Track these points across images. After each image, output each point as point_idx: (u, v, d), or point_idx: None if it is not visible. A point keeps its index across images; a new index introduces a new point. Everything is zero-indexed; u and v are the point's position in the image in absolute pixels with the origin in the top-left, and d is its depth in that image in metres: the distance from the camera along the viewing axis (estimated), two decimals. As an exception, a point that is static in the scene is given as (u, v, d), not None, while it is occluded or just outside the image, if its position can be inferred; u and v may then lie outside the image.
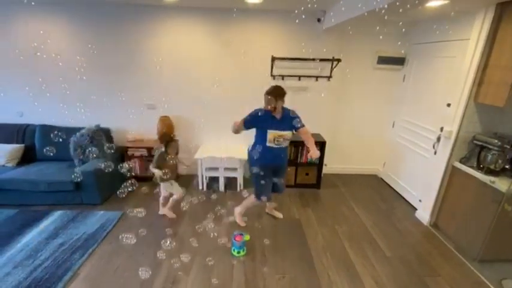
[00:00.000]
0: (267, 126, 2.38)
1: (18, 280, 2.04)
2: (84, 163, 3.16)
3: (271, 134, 2.38)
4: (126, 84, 3.51)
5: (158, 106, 3.62)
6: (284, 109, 2.42)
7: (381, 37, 3.40)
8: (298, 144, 3.45)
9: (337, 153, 3.99)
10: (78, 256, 2.29)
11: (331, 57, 3.40)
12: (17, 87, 3.45)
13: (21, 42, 3.27)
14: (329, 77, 3.54)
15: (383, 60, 3.56)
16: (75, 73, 3.40)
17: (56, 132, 1.57)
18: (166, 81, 3.52)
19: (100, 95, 3.51)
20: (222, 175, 3.48)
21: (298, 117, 2.40)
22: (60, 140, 1.64)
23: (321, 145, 3.49)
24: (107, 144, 1.66)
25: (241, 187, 3.58)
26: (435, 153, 2.88)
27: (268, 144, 2.41)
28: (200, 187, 3.54)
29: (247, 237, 2.51)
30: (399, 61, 3.57)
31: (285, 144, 2.46)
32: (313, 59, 3.37)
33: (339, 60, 3.41)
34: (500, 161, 2.27)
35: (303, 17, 3.25)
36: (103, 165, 1.53)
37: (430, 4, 2.19)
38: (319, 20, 3.28)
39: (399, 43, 3.47)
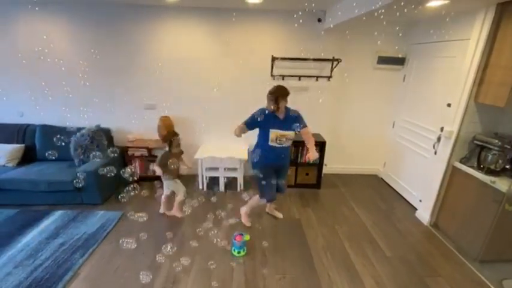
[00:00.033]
0: (270, 126, 2.38)
1: (18, 280, 2.04)
2: (85, 163, 3.16)
3: (273, 133, 2.38)
4: (126, 84, 3.51)
5: (158, 106, 3.62)
6: (287, 109, 2.42)
7: (379, 40, 3.41)
8: (298, 144, 3.45)
9: (338, 153, 3.99)
10: (78, 256, 2.30)
11: (331, 57, 3.41)
12: (18, 87, 3.45)
13: (21, 42, 3.27)
14: (329, 77, 3.54)
15: (383, 60, 3.56)
16: (76, 73, 3.40)
17: (58, 136, 1.57)
18: (166, 81, 3.52)
19: (100, 95, 3.52)
20: (222, 175, 3.48)
21: (301, 117, 2.41)
22: (63, 144, 1.65)
23: (321, 145, 3.49)
24: (111, 148, 1.68)
25: (242, 187, 3.58)
26: (435, 153, 2.87)
27: (270, 143, 2.42)
28: (200, 187, 3.54)
29: (247, 237, 2.51)
30: (399, 61, 3.57)
31: (287, 144, 2.46)
32: (314, 59, 3.37)
33: (339, 60, 3.41)
34: (500, 161, 2.27)
35: (300, 21, 3.26)
36: (105, 170, 1.53)
37: (430, 4, 2.19)
38: (319, 20, 3.28)
39: (396, 47, 3.48)
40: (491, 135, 2.40)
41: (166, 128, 3.51)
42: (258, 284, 2.11)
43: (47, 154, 1.63)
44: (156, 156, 3.57)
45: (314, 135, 2.48)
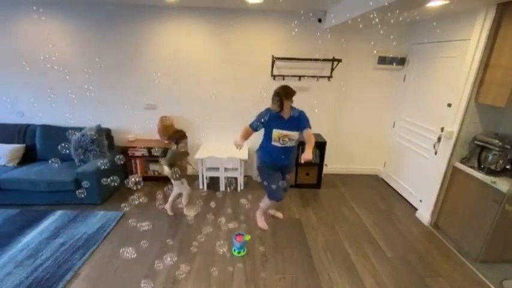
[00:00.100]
0: (273, 126, 2.39)
1: (19, 280, 2.04)
2: (85, 163, 3.16)
3: (276, 133, 2.38)
4: (126, 84, 3.51)
5: (158, 106, 3.62)
6: (293, 109, 2.41)
7: (380, 40, 3.40)
8: (298, 145, 3.44)
9: (338, 153, 3.99)
10: (78, 256, 2.30)
11: (331, 57, 3.40)
12: (18, 87, 3.46)
13: (21, 42, 3.27)
14: (329, 77, 3.54)
15: (383, 60, 3.55)
16: (76, 73, 3.40)
17: (63, 144, 1.59)
18: (166, 81, 3.52)
19: (100, 95, 3.51)
20: (222, 175, 3.48)
21: (306, 118, 2.40)
22: (67, 151, 1.66)
23: (321, 145, 3.50)
24: (117, 156, 1.69)
25: (242, 187, 3.58)
26: (436, 153, 2.87)
27: (273, 143, 2.42)
28: (201, 187, 3.54)
29: (247, 237, 2.51)
30: (400, 61, 3.57)
31: (291, 144, 2.45)
32: (314, 59, 3.37)
33: (339, 61, 3.41)
34: (501, 161, 2.27)
35: (299, 22, 3.25)
36: (109, 180, 1.54)
37: (430, 4, 2.19)
38: (320, 20, 3.28)
39: (395, 45, 3.47)
40: (491, 135, 2.40)
41: (165, 129, 3.51)
42: (258, 284, 2.11)
43: (50, 162, 1.65)
44: (155, 156, 3.58)
45: (314, 135, 2.48)
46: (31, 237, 2.52)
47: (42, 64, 3.34)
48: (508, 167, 2.30)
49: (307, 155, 2.22)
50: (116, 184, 1.55)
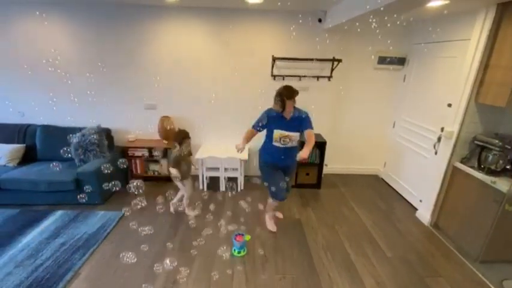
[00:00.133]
0: (274, 126, 2.39)
1: (19, 280, 2.04)
2: (85, 163, 3.16)
3: (276, 133, 2.38)
4: (126, 84, 3.52)
5: (158, 106, 3.62)
6: (296, 110, 2.40)
7: (380, 41, 3.41)
8: (301, 145, 3.44)
9: (338, 153, 3.99)
10: (79, 256, 2.30)
11: (331, 57, 3.40)
12: (18, 87, 3.46)
13: (21, 42, 3.27)
14: (329, 77, 3.54)
15: (383, 60, 3.55)
16: (76, 73, 3.41)
17: (65, 148, 1.60)
18: (166, 81, 3.52)
19: (100, 95, 3.51)
20: (222, 175, 3.48)
21: (308, 119, 2.38)
22: (69, 155, 1.66)
23: (321, 145, 3.50)
24: (120, 160, 1.70)
25: (242, 187, 3.58)
26: (436, 153, 2.87)
27: (274, 143, 2.42)
28: (201, 187, 3.54)
29: (247, 237, 2.51)
30: (400, 61, 3.57)
31: (292, 144, 2.43)
32: (314, 59, 3.37)
33: (339, 61, 3.41)
34: (501, 162, 2.27)
35: (297, 23, 3.26)
36: (111, 185, 1.55)
37: (430, 4, 2.19)
38: (320, 20, 3.28)
39: (394, 43, 3.47)
40: (491, 135, 2.40)
41: (166, 132, 3.51)
42: (258, 284, 2.11)
43: (51, 166, 1.65)
44: (155, 156, 3.59)
45: (314, 135, 2.46)
46: (31, 237, 2.52)
47: (43, 64, 3.34)
48: (508, 167, 2.30)
49: (304, 153, 2.19)
50: (118, 188, 1.55)
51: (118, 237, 2.57)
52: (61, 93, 3.45)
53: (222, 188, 3.54)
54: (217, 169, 3.45)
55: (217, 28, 3.33)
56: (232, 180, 3.69)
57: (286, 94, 2.29)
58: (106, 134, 3.45)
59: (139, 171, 3.65)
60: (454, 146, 2.59)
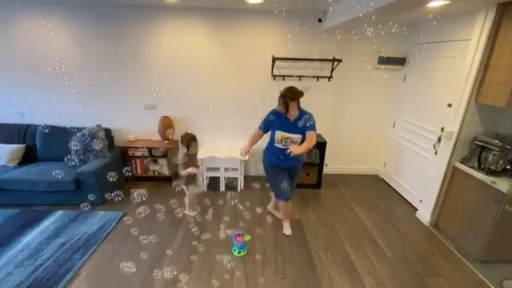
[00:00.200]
0: (276, 127, 2.39)
1: (19, 280, 2.04)
2: (85, 163, 3.16)
3: (278, 134, 2.38)
4: (126, 84, 3.51)
5: (158, 106, 3.62)
6: (300, 111, 2.39)
7: (380, 40, 3.40)
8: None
9: (338, 154, 3.98)
10: (79, 256, 2.30)
11: (331, 58, 3.40)
12: (18, 87, 3.46)
13: (21, 41, 3.27)
14: (330, 77, 3.54)
15: (383, 61, 3.55)
16: (76, 74, 3.40)
17: (68, 156, 1.62)
18: (166, 81, 3.52)
19: (100, 94, 3.51)
20: (222, 175, 3.48)
21: (311, 121, 2.36)
22: (73, 163, 1.67)
23: (322, 145, 3.50)
24: (125, 168, 1.71)
25: (242, 187, 3.58)
26: (436, 153, 2.87)
27: (276, 144, 2.43)
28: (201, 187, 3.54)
29: (247, 237, 2.51)
30: (400, 61, 3.57)
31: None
32: (314, 59, 3.37)
33: (339, 61, 3.41)
34: (501, 162, 2.27)
35: (298, 23, 3.25)
36: (113, 195, 1.56)
37: (430, 4, 2.19)
38: (320, 20, 3.28)
39: (394, 43, 3.47)
40: (491, 135, 2.40)
41: (166, 128, 3.51)
42: (259, 284, 2.11)
43: (53, 173, 1.68)
44: (156, 156, 3.59)
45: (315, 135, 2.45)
46: (31, 237, 2.52)
47: (42, 64, 3.34)
48: (508, 167, 2.30)
49: (294, 149, 2.20)
50: (120, 198, 1.56)
51: (118, 237, 2.57)
52: (61, 93, 3.45)
53: (222, 188, 3.54)
54: (217, 169, 3.45)
55: (218, 28, 3.33)
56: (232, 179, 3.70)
57: (290, 96, 2.27)
58: (106, 134, 3.45)
59: (139, 172, 3.65)
60: (454, 146, 2.59)
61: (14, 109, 3.52)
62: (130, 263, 1.75)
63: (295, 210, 3.17)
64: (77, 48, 3.34)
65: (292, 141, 2.38)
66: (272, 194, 2.90)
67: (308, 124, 2.34)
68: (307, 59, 3.38)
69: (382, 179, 4.07)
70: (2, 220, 2.75)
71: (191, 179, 2.78)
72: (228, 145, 3.68)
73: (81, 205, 1.78)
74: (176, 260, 2.31)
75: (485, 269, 2.31)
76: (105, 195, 1.63)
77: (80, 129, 3.28)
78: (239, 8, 3.21)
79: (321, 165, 3.60)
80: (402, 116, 3.64)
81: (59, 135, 3.25)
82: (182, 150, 2.75)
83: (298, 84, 3.52)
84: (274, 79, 3.53)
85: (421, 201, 3.14)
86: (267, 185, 2.54)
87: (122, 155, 3.55)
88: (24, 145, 3.36)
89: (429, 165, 2.99)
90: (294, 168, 2.57)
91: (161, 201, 2.97)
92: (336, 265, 2.33)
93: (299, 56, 3.39)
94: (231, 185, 3.63)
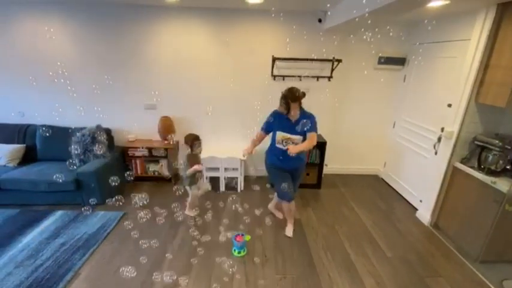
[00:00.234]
0: (278, 128, 2.39)
1: (19, 280, 2.04)
2: (85, 163, 3.16)
3: (279, 135, 2.38)
4: (126, 84, 3.51)
5: (158, 106, 3.62)
6: (302, 112, 2.38)
7: (380, 41, 3.41)
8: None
9: (338, 154, 3.99)
10: (79, 256, 2.30)
11: (331, 58, 3.40)
12: (18, 87, 3.46)
13: (21, 41, 3.27)
14: (330, 77, 3.54)
15: (383, 61, 3.55)
16: (76, 74, 3.40)
17: (70, 160, 1.62)
18: (166, 81, 3.52)
19: (100, 94, 3.51)
20: (222, 175, 3.48)
21: (312, 122, 2.35)
22: (75, 167, 1.68)
23: (322, 145, 3.50)
24: (127, 172, 1.72)
25: (242, 187, 3.58)
26: (436, 153, 2.87)
27: (277, 145, 2.42)
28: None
29: (247, 237, 2.51)
30: (400, 61, 3.57)
31: None
32: (314, 60, 3.37)
33: (339, 61, 3.41)
34: (501, 162, 2.27)
35: (298, 23, 3.25)
36: (114, 200, 1.58)
37: (431, 4, 2.19)
38: (320, 21, 3.28)
39: (394, 43, 3.47)
40: (491, 135, 2.40)
41: (166, 128, 3.51)
42: (259, 284, 2.11)
43: (54, 177, 1.69)
44: (156, 156, 3.59)
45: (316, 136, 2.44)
46: (31, 237, 2.52)
47: (42, 64, 3.34)
48: (508, 167, 2.30)
49: (292, 148, 2.22)
50: (121, 203, 1.58)
51: (118, 237, 2.57)
52: (61, 93, 3.45)
53: (222, 188, 3.54)
54: (217, 169, 3.45)
55: (218, 28, 3.33)
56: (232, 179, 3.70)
57: (291, 97, 2.26)
58: (106, 134, 3.44)
59: (139, 172, 3.65)
60: (454, 146, 2.59)
61: (14, 109, 3.52)
62: (130, 267, 1.76)
63: (295, 210, 3.17)
64: (77, 48, 3.34)
65: (293, 142, 2.38)
66: (274, 194, 2.90)
67: (309, 125, 2.32)
68: (307, 59, 3.38)
69: (382, 179, 4.07)
70: (2, 220, 2.75)
71: (194, 179, 2.78)
72: (228, 145, 3.68)
73: (83, 209, 1.80)
74: (176, 259, 2.31)
75: (485, 269, 2.31)
76: (107, 200, 1.64)
77: (80, 129, 3.29)
78: (239, 8, 3.21)
79: (321, 165, 3.60)
80: (402, 116, 3.64)
81: (59, 135, 3.25)
82: (186, 151, 2.75)
83: (298, 84, 3.52)
84: (274, 79, 3.53)
85: (421, 201, 3.14)
86: (268, 185, 2.54)
87: (121, 155, 3.55)
88: (24, 145, 3.36)
89: (429, 165, 2.99)
90: (296, 169, 2.56)
91: (161, 201, 2.98)
92: (336, 265, 2.33)
93: (299, 56, 3.39)
94: (231, 185, 3.63)
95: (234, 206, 3.14)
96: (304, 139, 2.37)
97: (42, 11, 3.18)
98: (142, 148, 3.51)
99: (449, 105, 2.69)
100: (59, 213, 2.89)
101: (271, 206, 3.05)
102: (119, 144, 3.65)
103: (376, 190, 3.74)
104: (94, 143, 3.23)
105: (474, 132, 2.51)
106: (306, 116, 2.38)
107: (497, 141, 2.29)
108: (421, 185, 3.13)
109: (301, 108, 2.39)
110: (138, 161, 3.61)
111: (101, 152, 2.87)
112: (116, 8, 3.19)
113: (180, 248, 2.46)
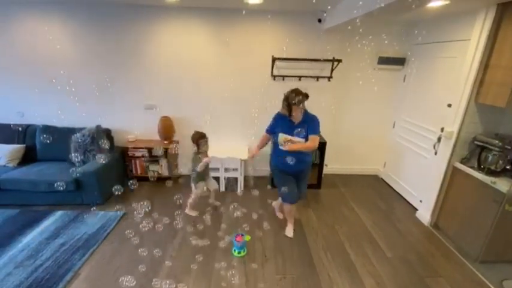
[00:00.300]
0: (281, 130, 2.38)
1: (19, 280, 2.04)
2: (85, 163, 3.16)
3: (281, 137, 2.38)
4: (126, 84, 3.51)
5: (158, 106, 3.62)
6: (305, 114, 2.37)
7: (380, 41, 3.41)
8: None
9: (338, 154, 3.99)
10: (78, 256, 2.30)
11: (331, 58, 3.40)
12: (18, 87, 3.45)
13: (20, 41, 3.27)
14: (329, 78, 3.54)
15: (383, 61, 3.55)
16: (76, 74, 3.40)
17: (73, 169, 1.65)
18: (166, 81, 3.52)
19: (100, 95, 3.51)
20: (222, 175, 3.48)
21: (315, 123, 2.35)
22: (78, 175, 1.68)
23: (322, 145, 3.49)
24: (131, 181, 1.72)
25: (242, 187, 3.58)
26: (436, 153, 2.87)
27: (280, 147, 2.42)
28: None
29: (247, 237, 2.51)
30: (399, 61, 3.57)
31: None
32: (314, 60, 3.37)
33: (339, 61, 3.41)
34: (501, 162, 2.27)
35: (297, 24, 3.24)
36: (118, 207, 1.60)
37: (430, 4, 2.19)
38: (319, 21, 3.28)
39: (397, 48, 3.47)
40: (491, 135, 2.40)
41: (166, 129, 3.51)
42: (259, 284, 2.11)
43: (55, 185, 1.70)
44: (156, 157, 3.59)
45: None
46: (31, 237, 2.52)
47: (42, 64, 3.34)
48: (508, 167, 2.30)
49: (290, 146, 2.26)
50: (122, 213, 1.59)
51: (118, 237, 2.57)
52: (61, 93, 3.44)
53: (222, 188, 3.54)
54: (217, 169, 3.44)
55: (218, 28, 3.33)
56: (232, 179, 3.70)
57: (292, 99, 2.23)
58: (106, 134, 3.45)
59: (139, 172, 3.65)
60: (454, 146, 2.59)
61: (14, 109, 3.52)
62: (129, 277, 1.77)
63: (295, 210, 3.17)
64: (77, 48, 3.34)
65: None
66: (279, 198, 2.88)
67: (311, 128, 2.32)
68: (307, 59, 3.38)
69: (382, 179, 4.07)
70: (2, 220, 2.75)
71: (202, 176, 2.78)
72: (228, 145, 3.68)
73: (92, 209, 1.80)
74: (176, 260, 2.31)
75: (485, 269, 2.31)
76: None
77: (79, 130, 3.29)
78: (239, 8, 3.21)
79: (321, 165, 3.60)
80: (402, 116, 3.64)
81: (59, 135, 3.25)
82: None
83: (298, 85, 3.52)
84: (274, 79, 3.53)
85: (421, 201, 3.14)
86: (269, 186, 2.54)
87: (121, 155, 3.55)
88: (24, 145, 3.36)
89: (429, 165, 2.99)
90: (301, 171, 2.53)
91: (161, 201, 2.98)
92: (336, 265, 2.33)
93: (299, 56, 3.39)
94: (231, 185, 3.63)
95: (233, 206, 3.14)
96: (306, 141, 2.36)
97: (42, 11, 3.18)
98: (142, 149, 3.51)
99: (449, 105, 2.69)
100: (58, 214, 2.89)
101: (275, 203, 3.04)
102: (119, 144, 3.65)
103: (376, 190, 3.74)
104: (94, 143, 3.23)
105: (474, 132, 2.51)
106: (309, 117, 2.37)
107: (497, 141, 2.29)
108: (421, 185, 3.13)
109: (304, 110, 2.37)
110: (138, 161, 3.60)
111: (102, 160, 2.89)
112: (116, 8, 3.19)
113: (180, 246, 2.46)
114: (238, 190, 3.56)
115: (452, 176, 2.66)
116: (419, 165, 3.24)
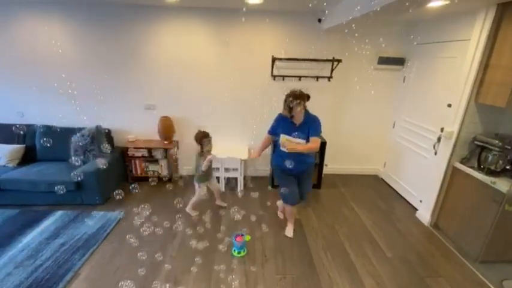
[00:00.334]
0: (282, 131, 2.38)
1: (19, 280, 2.04)
2: (85, 163, 3.16)
3: (283, 138, 2.38)
4: (126, 84, 3.51)
5: (158, 106, 3.62)
6: (306, 115, 2.37)
7: (380, 40, 3.41)
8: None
9: (338, 154, 3.98)
10: (78, 256, 2.30)
11: (331, 58, 3.40)
12: (18, 87, 3.45)
13: (20, 41, 3.27)
14: (329, 78, 3.54)
15: (383, 61, 3.55)
16: (76, 74, 3.40)
17: (75, 172, 1.65)
18: (166, 81, 3.52)
19: (100, 95, 3.50)
20: (222, 175, 3.48)
21: (316, 125, 2.34)
22: (79, 179, 1.71)
23: (322, 145, 3.49)
24: (132, 185, 1.73)
25: (242, 187, 3.58)
26: (436, 153, 2.87)
27: (281, 148, 2.42)
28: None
29: (247, 237, 2.51)
30: (399, 61, 3.57)
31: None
32: (314, 60, 3.37)
33: (339, 61, 3.41)
34: (501, 162, 2.27)
35: (297, 24, 3.24)
36: (117, 212, 1.60)
37: (431, 5, 2.19)
38: (319, 21, 3.28)
39: (394, 43, 3.47)
40: (491, 135, 2.40)
41: (166, 129, 3.51)
42: (259, 284, 2.11)
43: (56, 188, 1.71)
44: (155, 157, 3.59)
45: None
46: (31, 237, 2.52)
47: (42, 64, 3.34)
48: (508, 167, 2.30)
49: (289, 145, 2.25)
50: (122, 216, 1.60)
51: (118, 237, 2.57)
52: (61, 94, 3.44)
53: (222, 188, 3.54)
54: (217, 169, 3.44)
55: (218, 28, 3.33)
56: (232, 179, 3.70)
57: (293, 100, 2.23)
58: (106, 134, 3.44)
59: (139, 172, 3.65)
60: (454, 146, 2.59)
61: (14, 109, 3.52)
62: (129, 281, 1.77)
63: (295, 210, 3.16)
64: (76, 48, 3.34)
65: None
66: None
67: (312, 129, 2.31)
68: (306, 59, 3.38)
69: (382, 179, 4.07)
70: (2, 220, 2.75)
71: (205, 176, 2.78)
72: (228, 145, 3.68)
73: (86, 222, 1.80)
74: (176, 259, 2.31)
75: (485, 269, 2.31)
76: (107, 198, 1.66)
77: (79, 130, 3.29)
78: (239, 8, 3.21)
79: (321, 165, 3.60)
80: (402, 116, 3.64)
81: (59, 135, 3.25)
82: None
83: (298, 85, 3.54)
84: (274, 79, 3.53)
85: (421, 201, 3.14)
86: (269, 187, 2.54)
87: (121, 155, 3.54)
88: (24, 145, 3.36)
89: (429, 165, 2.99)
90: (302, 172, 2.52)
91: (161, 201, 2.98)
92: (336, 265, 2.33)
93: (299, 56, 3.39)
94: (231, 185, 3.63)
95: (233, 206, 3.14)
96: (307, 143, 2.36)
97: (42, 11, 3.18)
98: (143, 149, 3.51)
99: (449, 105, 2.69)
100: (58, 214, 2.89)
101: (280, 202, 3.02)
102: (119, 144, 3.65)
103: (376, 190, 3.74)
104: (94, 143, 3.23)
105: (474, 132, 2.51)
106: (311, 118, 2.37)
107: (497, 141, 2.29)
108: (421, 185, 3.13)
109: (306, 111, 2.37)
110: (137, 161, 3.60)
111: (102, 165, 2.90)
112: (116, 8, 3.19)
113: (180, 246, 2.46)
114: (238, 190, 3.56)
115: (452, 176, 2.66)
116: (419, 165, 3.24)
